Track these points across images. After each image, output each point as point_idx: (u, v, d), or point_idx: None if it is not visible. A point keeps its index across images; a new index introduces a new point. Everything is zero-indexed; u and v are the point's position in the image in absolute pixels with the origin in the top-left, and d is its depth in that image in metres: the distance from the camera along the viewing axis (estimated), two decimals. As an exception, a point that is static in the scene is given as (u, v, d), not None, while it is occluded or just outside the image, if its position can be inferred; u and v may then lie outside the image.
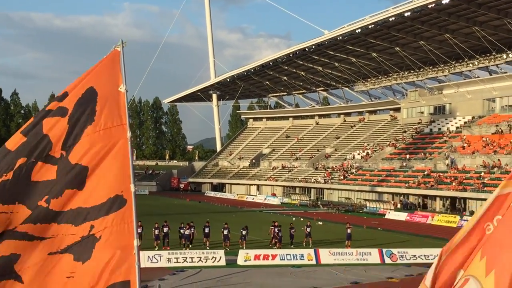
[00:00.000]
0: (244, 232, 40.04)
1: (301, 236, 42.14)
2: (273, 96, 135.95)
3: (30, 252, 6.86)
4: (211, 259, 33.93)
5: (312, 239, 41.93)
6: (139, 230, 38.07)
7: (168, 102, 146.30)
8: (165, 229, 39.35)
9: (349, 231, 40.56)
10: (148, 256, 33.47)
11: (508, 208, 4.67)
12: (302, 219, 59.64)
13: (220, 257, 34.18)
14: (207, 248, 38.01)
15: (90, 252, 6.79)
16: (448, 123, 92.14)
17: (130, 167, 7.08)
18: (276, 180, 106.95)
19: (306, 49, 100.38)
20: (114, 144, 7.09)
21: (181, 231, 39.82)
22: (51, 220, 6.88)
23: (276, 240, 40.79)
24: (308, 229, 42.30)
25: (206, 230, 39.88)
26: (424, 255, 35.27)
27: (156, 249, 37.49)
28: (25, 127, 7.13)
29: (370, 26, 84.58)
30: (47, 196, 6.88)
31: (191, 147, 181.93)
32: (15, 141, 7.09)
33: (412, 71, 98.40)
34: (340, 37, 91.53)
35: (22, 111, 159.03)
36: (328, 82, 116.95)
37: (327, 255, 35.62)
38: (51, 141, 7.03)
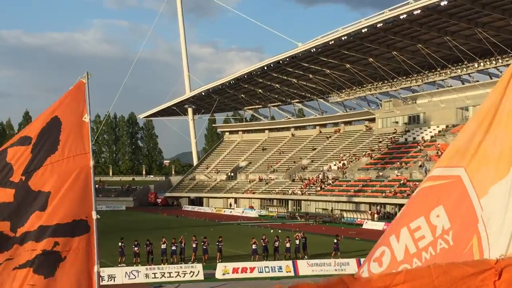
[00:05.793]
0: (220, 246, 40.12)
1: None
2: (248, 109, 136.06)
3: None
4: (189, 273, 33.82)
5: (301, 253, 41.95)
6: (136, 249, 38.40)
7: (144, 117, 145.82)
8: (149, 248, 39.16)
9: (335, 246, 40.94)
10: (126, 272, 33.28)
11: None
12: (280, 231, 59.61)
13: (198, 271, 34.09)
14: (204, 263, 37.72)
15: (54, 270, 6.89)
16: (422, 132, 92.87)
17: (92, 194, 7.23)
18: (254, 193, 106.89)
19: (280, 62, 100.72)
20: (77, 171, 7.23)
21: (172, 247, 39.82)
22: (15, 244, 6.98)
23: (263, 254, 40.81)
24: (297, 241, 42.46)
25: (204, 246, 39.93)
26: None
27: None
28: None
29: (343, 38, 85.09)
30: (10, 222, 7.00)
31: (168, 161, 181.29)
32: None
33: (386, 82, 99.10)
34: (314, 49, 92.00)
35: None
36: (303, 94, 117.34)
37: (305, 267, 35.69)
38: (12, 168, 7.20)
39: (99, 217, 7.26)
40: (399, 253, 5.05)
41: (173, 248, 39.76)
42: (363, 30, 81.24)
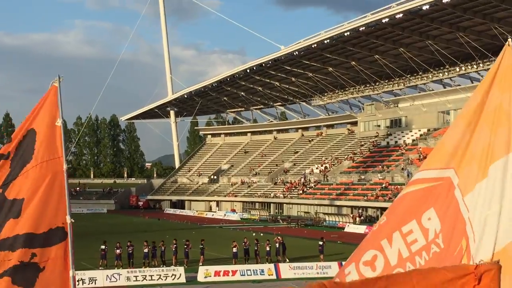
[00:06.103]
0: (203, 249, 40.13)
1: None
2: (231, 111, 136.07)
3: None
4: (171, 276, 33.70)
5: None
6: (118, 251, 38.28)
7: (126, 120, 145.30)
8: (130, 249, 39.09)
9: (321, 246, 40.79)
10: (107, 275, 33.10)
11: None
12: (262, 234, 59.59)
13: (180, 274, 33.98)
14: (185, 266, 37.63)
15: (34, 281, 6.87)
16: (404, 136, 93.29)
17: (66, 198, 7.21)
18: (236, 196, 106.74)
19: (263, 64, 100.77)
20: (50, 176, 7.23)
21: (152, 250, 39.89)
22: None
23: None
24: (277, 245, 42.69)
25: (186, 250, 40.00)
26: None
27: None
28: None
29: (325, 41, 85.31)
30: None
31: (150, 164, 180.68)
32: None
33: (368, 85, 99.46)
34: (297, 52, 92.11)
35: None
36: (286, 97, 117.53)
37: (287, 270, 35.69)
38: None
39: (73, 221, 7.21)
40: (393, 258, 5.04)
41: (153, 251, 39.70)
42: (345, 34, 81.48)
